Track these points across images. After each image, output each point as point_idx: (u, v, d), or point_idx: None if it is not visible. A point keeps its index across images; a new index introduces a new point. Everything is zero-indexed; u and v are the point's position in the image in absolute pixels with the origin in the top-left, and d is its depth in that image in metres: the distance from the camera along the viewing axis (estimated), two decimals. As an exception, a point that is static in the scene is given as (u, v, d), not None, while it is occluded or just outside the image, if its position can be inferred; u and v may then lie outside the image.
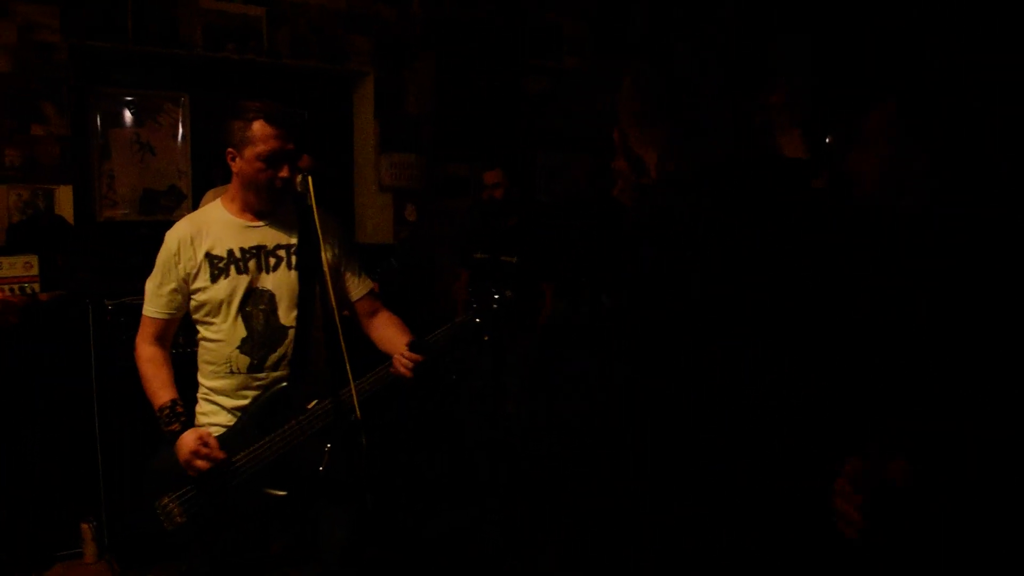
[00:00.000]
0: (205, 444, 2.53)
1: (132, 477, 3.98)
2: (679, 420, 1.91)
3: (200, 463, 2.52)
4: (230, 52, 5.00)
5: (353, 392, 2.50)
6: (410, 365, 2.62)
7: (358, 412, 2.43)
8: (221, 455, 2.54)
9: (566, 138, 6.01)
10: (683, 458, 1.91)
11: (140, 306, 3.93)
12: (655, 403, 1.95)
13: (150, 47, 4.77)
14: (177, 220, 2.72)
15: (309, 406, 2.63)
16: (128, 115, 5.03)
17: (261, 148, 2.54)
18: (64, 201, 4.57)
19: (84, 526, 4.00)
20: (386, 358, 2.74)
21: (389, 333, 2.81)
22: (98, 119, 4.93)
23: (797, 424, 1.73)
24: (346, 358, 2.43)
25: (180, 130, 5.16)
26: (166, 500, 2.62)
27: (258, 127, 2.54)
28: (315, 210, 2.52)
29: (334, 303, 2.51)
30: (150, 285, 2.72)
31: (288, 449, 2.61)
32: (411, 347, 2.65)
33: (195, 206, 5.00)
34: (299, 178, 2.54)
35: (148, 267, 2.71)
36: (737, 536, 1.84)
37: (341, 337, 2.39)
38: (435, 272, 5.73)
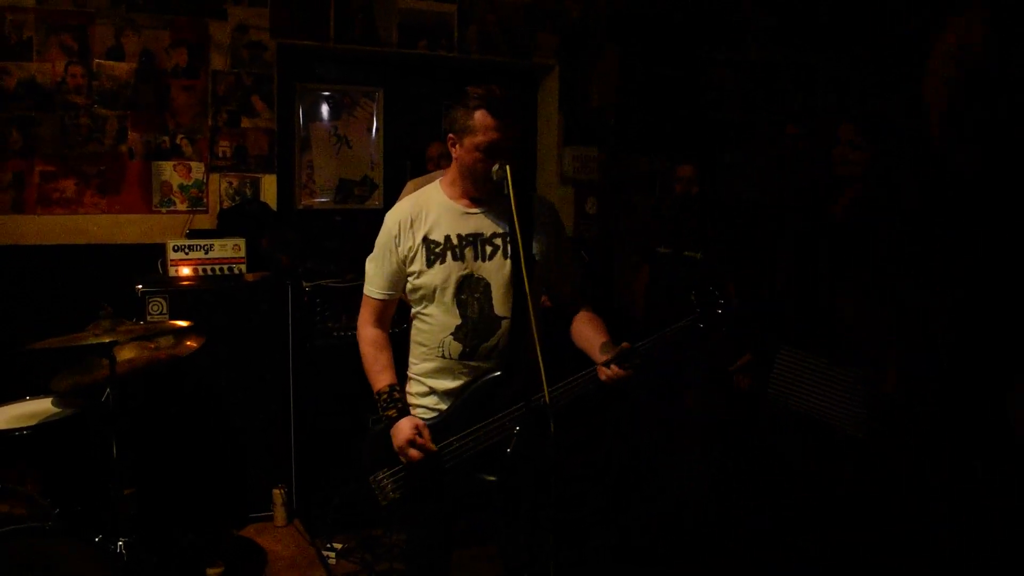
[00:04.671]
0: (420, 434, 2.56)
1: (321, 448, 4.20)
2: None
3: (413, 452, 2.55)
4: (422, 48, 5.21)
5: (544, 379, 2.29)
6: (619, 376, 2.50)
7: (547, 396, 2.27)
8: (433, 447, 2.56)
9: (748, 132, 5.86)
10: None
11: (334, 288, 4.21)
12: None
13: (350, 45, 5.04)
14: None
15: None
16: (327, 109, 5.33)
17: (480, 139, 2.47)
18: (268, 189, 4.91)
19: (276, 492, 4.26)
20: (583, 356, 2.64)
21: (588, 331, 2.70)
22: (300, 113, 5.24)
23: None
24: (539, 353, 2.27)
25: (374, 123, 5.42)
26: (381, 476, 2.67)
27: (479, 116, 2.47)
28: (513, 199, 2.37)
29: (529, 295, 2.33)
30: (370, 266, 2.71)
31: (498, 438, 2.57)
32: (622, 356, 2.51)
33: (386, 196, 5.24)
34: (495, 167, 2.46)
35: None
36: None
37: (535, 332, 2.26)
38: (615, 266, 5.73)
